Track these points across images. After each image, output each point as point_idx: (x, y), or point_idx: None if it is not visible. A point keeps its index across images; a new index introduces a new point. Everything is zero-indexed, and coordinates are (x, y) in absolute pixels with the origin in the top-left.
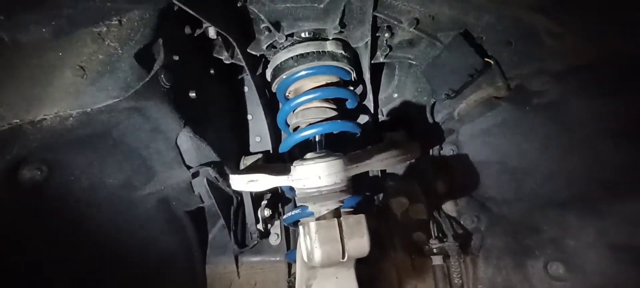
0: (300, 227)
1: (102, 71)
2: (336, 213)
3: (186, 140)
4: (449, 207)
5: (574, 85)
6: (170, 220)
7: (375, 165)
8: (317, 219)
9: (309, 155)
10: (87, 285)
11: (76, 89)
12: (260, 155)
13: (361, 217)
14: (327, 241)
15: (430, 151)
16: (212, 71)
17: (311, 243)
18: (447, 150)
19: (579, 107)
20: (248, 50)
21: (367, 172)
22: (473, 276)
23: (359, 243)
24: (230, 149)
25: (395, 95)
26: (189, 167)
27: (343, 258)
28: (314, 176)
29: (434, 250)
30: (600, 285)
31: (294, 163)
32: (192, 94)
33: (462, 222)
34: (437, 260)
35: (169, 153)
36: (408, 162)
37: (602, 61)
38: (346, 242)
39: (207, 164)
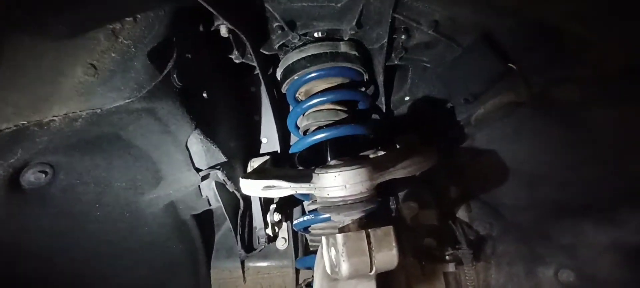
0: (323, 239)
1: (114, 70)
2: (361, 224)
3: (196, 143)
4: (461, 213)
5: (599, 94)
6: (177, 224)
7: (399, 173)
8: (341, 230)
9: (332, 163)
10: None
11: (87, 88)
12: (267, 158)
13: (389, 229)
14: (355, 254)
15: (444, 156)
16: (222, 71)
17: (338, 255)
18: (461, 155)
19: (601, 116)
20: (260, 50)
21: None
22: (484, 283)
23: (388, 256)
24: (238, 151)
25: (407, 97)
26: (198, 170)
27: (371, 271)
28: (339, 185)
29: (447, 257)
30: None
31: (316, 170)
32: (204, 95)
33: (474, 228)
34: (449, 268)
35: (178, 155)
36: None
37: (631, 71)
38: (374, 254)
39: (216, 166)
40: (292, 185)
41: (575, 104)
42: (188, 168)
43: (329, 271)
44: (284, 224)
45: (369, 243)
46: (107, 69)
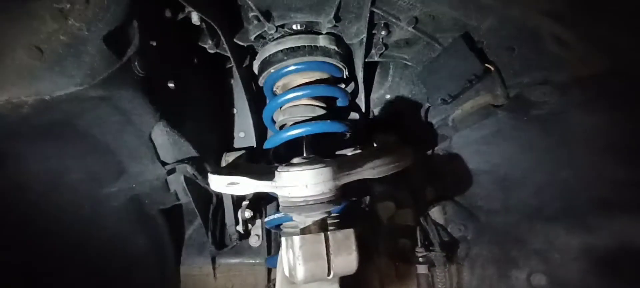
0: (283, 240)
1: (63, 54)
2: (322, 226)
3: (161, 135)
4: (436, 214)
5: (577, 98)
6: (142, 218)
7: (366, 173)
8: (302, 231)
9: (295, 160)
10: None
11: (32, 73)
12: (242, 152)
13: (350, 232)
14: (311, 258)
15: (421, 156)
16: (195, 60)
17: (294, 258)
18: (439, 156)
19: (579, 121)
20: (234, 40)
21: None
22: (457, 285)
23: (346, 261)
24: (211, 145)
25: (388, 96)
26: (164, 163)
27: (328, 275)
28: (300, 184)
29: (420, 259)
30: None
31: (279, 168)
32: (171, 85)
33: (449, 230)
34: (422, 269)
35: (141, 147)
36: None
37: (610, 73)
38: (332, 259)
39: (185, 160)
40: (255, 182)
41: (552, 108)
42: (152, 162)
43: (287, 274)
44: (258, 221)
45: (328, 246)
46: (56, 53)
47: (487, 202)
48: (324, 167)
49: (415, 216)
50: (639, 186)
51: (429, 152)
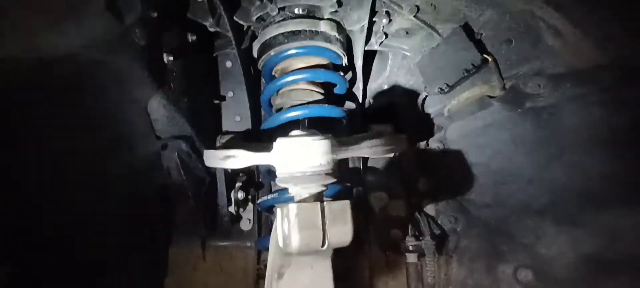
0: (278, 209)
1: (64, 14)
2: (319, 198)
3: (158, 108)
4: (428, 206)
5: (571, 91)
6: (132, 194)
7: (363, 151)
8: (298, 202)
9: (294, 132)
10: (29, 262)
11: (31, 31)
12: (238, 134)
13: (346, 204)
14: (307, 226)
15: (416, 147)
16: (194, 38)
17: (289, 227)
18: (433, 147)
19: (571, 114)
20: (235, 19)
21: (348, 161)
22: (445, 276)
23: (342, 231)
24: (207, 125)
25: (386, 86)
26: (158, 138)
27: (323, 246)
28: (298, 155)
29: (410, 248)
30: None
31: (278, 139)
32: (170, 58)
33: (440, 222)
34: (411, 258)
35: (136, 118)
36: (394, 154)
37: (605, 67)
38: (328, 228)
39: (180, 137)
40: (252, 155)
41: (545, 101)
42: (148, 135)
43: (281, 244)
44: (250, 205)
45: (323, 216)
46: (56, 12)
47: (478, 195)
48: (323, 138)
49: (407, 207)
50: (627, 181)
51: (424, 143)
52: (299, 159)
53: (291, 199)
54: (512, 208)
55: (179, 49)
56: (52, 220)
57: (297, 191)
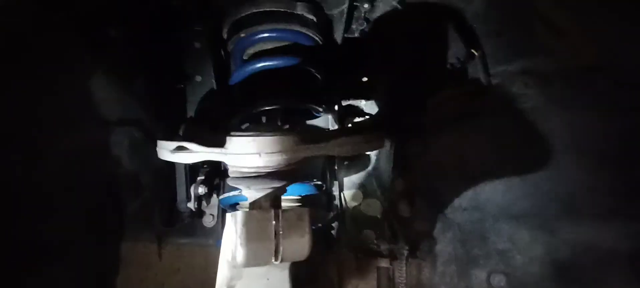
0: (228, 216)
1: None
2: (275, 203)
3: (103, 87)
4: (403, 207)
5: (559, 93)
6: (77, 183)
7: (331, 149)
8: (251, 206)
9: (250, 127)
10: None
11: None
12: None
13: (304, 212)
14: (256, 238)
15: (394, 145)
16: (152, 12)
17: (236, 237)
18: (412, 146)
19: (558, 118)
20: None
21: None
22: (417, 280)
23: (298, 244)
24: (167, 111)
25: (365, 78)
26: (106, 122)
27: (276, 260)
28: (252, 152)
29: (383, 251)
30: None
31: (232, 133)
32: (113, 32)
33: (414, 224)
34: (383, 262)
35: (75, 98)
36: (369, 152)
37: (600, 69)
38: (282, 240)
39: (132, 123)
40: (204, 149)
41: (533, 103)
42: (90, 118)
43: (228, 256)
44: (215, 199)
45: (277, 225)
46: None
47: (455, 198)
48: (282, 135)
49: (382, 207)
50: (609, 193)
51: (403, 141)
52: (253, 158)
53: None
54: (489, 212)
55: (129, 23)
56: None
57: (251, 194)
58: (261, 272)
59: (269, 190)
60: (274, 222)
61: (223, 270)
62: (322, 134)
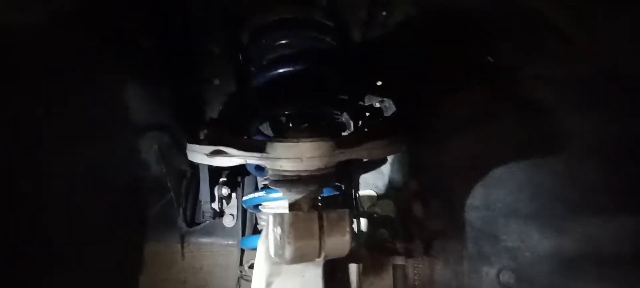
0: (271, 216)
1: None
2: (314, 204)
3: (134, 95)
4: (417, 207)
5: (570, 97)
6: (104, 187)
7: (363, 153)
8: (291, 208)
9: (290, 132)
10: None
11: None
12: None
13: (345, 213)
14: (302, 236)
15: (408, 147)
16: (179, 22)
17: (284, 236)
18: (425, 147)
19: (567, 121)
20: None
21: None
22: (430, 278)
23: (339, 242)
24: (190, 115)
25: (380, 82)
26: (135, 128)
27: (319, 257)
28: (294, 157)
29: (399, 249)
30: None
31: (272, 138)
32: (145, 42)
33: (428, 223)
34: (399, 260)
35: (107, 106)
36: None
37: (603, 73)
38: (325, 239)
39: (160, 128)
40: (243, 153)
41: (544, 105)
42: (121, 125)
43: (272, 253)
44: (234, 200)
45: (321, 226)
46: None
47: (467, 198)
48: (321, 141)
49: (396, 207)
50: (617, 193)
51: (416, 143)
52: (295, 162)
53: (281, 198)
54: (500, 211)
55: (159, 33)
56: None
57: (291, 196)
58: (297, 268)
59: (309, 193)
60: (317, 222)
61: (261, 267)
62: (354, 138)
